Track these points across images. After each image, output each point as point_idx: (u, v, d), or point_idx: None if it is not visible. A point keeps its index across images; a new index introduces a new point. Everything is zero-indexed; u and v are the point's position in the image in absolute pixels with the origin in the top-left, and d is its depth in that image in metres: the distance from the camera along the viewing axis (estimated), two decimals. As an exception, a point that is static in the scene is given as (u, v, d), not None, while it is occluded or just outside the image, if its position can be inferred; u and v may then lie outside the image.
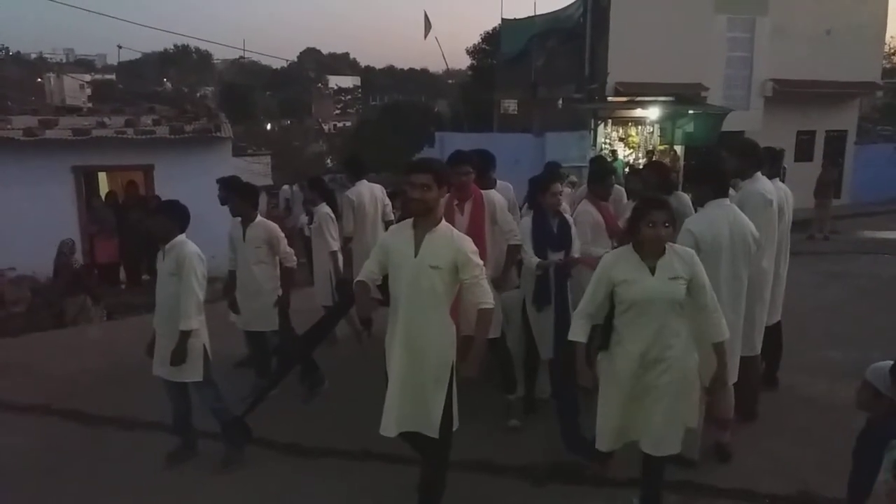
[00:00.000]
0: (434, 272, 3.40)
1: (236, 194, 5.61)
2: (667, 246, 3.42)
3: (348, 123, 65.85)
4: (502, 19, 21.93)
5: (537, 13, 19.91)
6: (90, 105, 20.92)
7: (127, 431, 5.29)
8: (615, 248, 4.34)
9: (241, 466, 4.60)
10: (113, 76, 63.63)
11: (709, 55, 15.71)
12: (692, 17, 15.26)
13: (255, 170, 21.87)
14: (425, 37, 17.80)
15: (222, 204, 6.63)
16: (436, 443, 3.53)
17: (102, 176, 13.59)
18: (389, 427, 3.50)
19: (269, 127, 51.78)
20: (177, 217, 4.54)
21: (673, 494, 3.81)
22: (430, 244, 3.42)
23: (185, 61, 75.61)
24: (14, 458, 4.93)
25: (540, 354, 4.89)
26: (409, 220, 3.52)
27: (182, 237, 4.52)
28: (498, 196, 5.18)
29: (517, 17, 20.71)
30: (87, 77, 56.15)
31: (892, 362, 2.69)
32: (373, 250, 3.67)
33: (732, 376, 4.12)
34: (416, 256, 3.42)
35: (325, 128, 67.91)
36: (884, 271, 10.02)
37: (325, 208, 6.66)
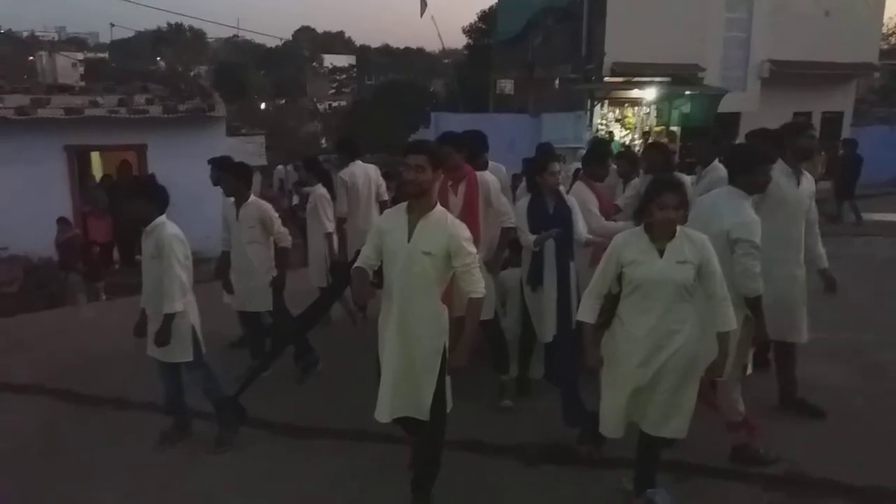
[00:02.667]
0: (426, 258, 3.38)
1: (229, 174, 5.56)
2: (679, 229, 3.39)
3: (343, 103, 65.34)
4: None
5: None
6: (83, 84, 20.71)
7: (120, 411, 5.30)
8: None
9: (234, 447, 4.61)
10: (106, 54, 63.00)
11: (706, 35, 15.61)
12: (690, -4, 15.16)
13: (249, 150, 21.70)
14: (421, 16, 17.67)
15: (215, 184, 6.59)
16: (428, 425, 3.54)
17: (96, 156, 13.47)
18: (383, 413, 3.51)
19: (262, 106, 51.36)
20: (155, 198, 4.47)
21: (666, 474, 3.81)
22: (423, 229, 3.40)
23: (178, 40, 74.72)
24: (8, 437, 4.93)
25: (536, 335, 4.88)
26: (404, 204, 3.50)
27: (162, 219, 4.46)
28: (491, 177, 5.17)
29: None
30: (80, 55, 55.50)
31: None
32: (368, 235, 3.64)
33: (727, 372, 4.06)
34: (409, 241, 3.40)
35: (320, 107, 67.42)
36: (878, 253, 10.05)
37: (320, 189, 6.61)
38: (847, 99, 19.14)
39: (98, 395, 5.56)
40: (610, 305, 3.62)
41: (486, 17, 29.83)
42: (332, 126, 48.77)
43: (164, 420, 4.83)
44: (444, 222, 3.43)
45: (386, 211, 3.72)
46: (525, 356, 5.10)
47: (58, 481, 4.32)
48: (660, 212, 3.34)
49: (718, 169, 5.05)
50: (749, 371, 4.29)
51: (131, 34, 56.11)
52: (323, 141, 43.08)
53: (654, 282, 3.38)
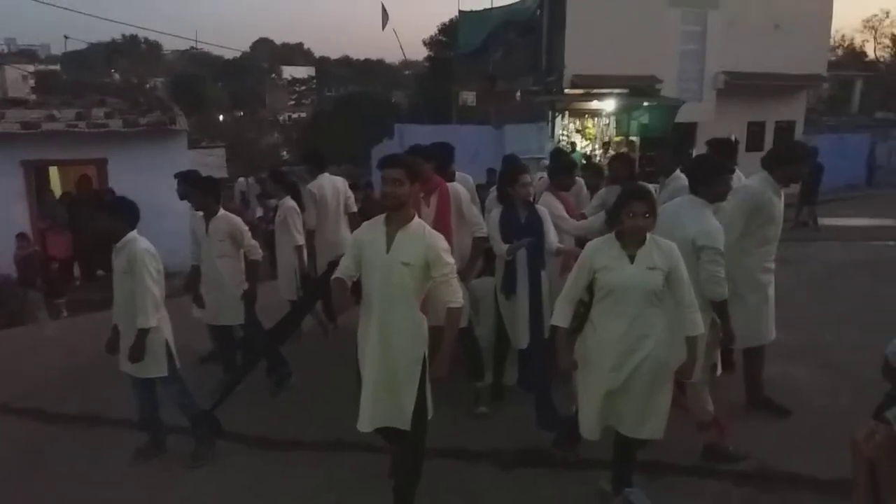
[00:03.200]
0: (405, 269, 3.44)
1: (197, 189, 5.54)
2: (648, 236, 3.51)
3: (303, 114, 64.97)
4: (459, 11, 21.96)
5: (494, 5, 20.03)
6: (34, 96, 20.28)
7: (92, 429, 5.23)
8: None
9: (211, 461, 4.59)
10: (57, 66, 61.63)
11: (663, 48, 16.00)
12: (647, 11, 15.53)
13: (209, 162, 21.46)
14: (383, 28, 17.73)
15: (182, 198, 6.55)
16: (410, 434, 3.59)
17: (54, 170, 13.21)
18: (365, 422, 3.55)
19: (221, 118, 50.82)
20: (125, 215, 4.46)
21: (641, 474, 3.92)
22: (402, 241, 3.46)
23: (133, 52, 73.60)
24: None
25: (511, 342, 4.96)
26: (382, 216, 3.55)
27: (133, 234, 4.44)
28: (462, 188, 5.26)
29: (474, 8, 20.78)
30: (31, 67, 54.27)
31: None
32: (347, 247, 3.69)
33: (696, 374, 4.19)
34: (388, 252, 3.46)
35: (280, 119, 66.98)
36: (833, 258, 10.38)
37: (289, 202, 6.60)
38: (798, 109, 19.76)
39: (69, 413, 5.46)
40: (582, 311, 3.72)
41: (446, 29, 30.12)
42: (293, 138, 48.50)
43: (139, 436, 4.78)
44: (422, 233, 3.50)
45: (364, 223, 3.76)
46: (499, 363, 5.18)
47: (33, 500, 4.25)
48: (630, 219, 3.45)
49: (680, 178, 5.25)
50: (718, 372, 4.42)
51: (84, 46, 54.95)
52: (284, 153, 42.79)
53: (625, 287, 3.49)
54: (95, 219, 10.73)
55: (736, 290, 4.50)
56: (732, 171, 4.52)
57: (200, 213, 5.54)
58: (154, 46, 76.15)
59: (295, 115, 66.20)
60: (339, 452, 4.64)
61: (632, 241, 3.51)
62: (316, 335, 6.88)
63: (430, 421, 3.72)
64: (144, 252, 4.31)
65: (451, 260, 3.54)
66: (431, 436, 3.82)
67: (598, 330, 3.60)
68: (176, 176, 5.96)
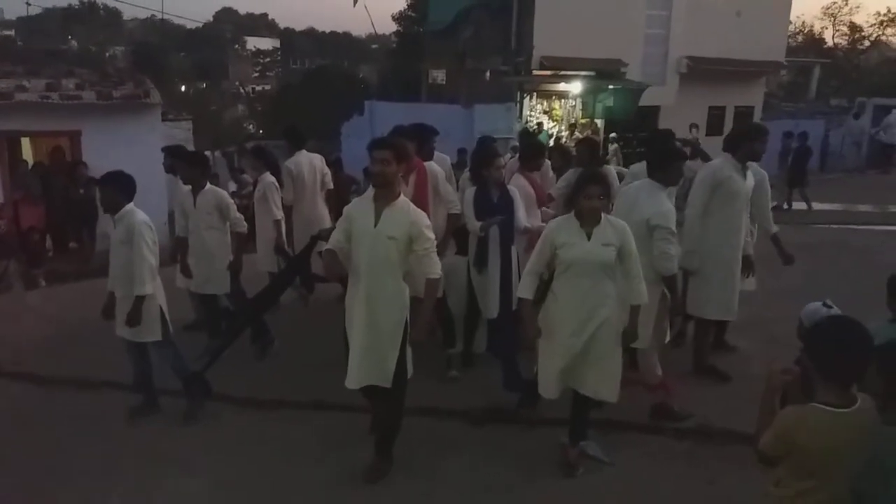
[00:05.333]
0: (391, 242, 3.82)
1: (185, 162, 5.81)
2: (603, 216, 3.93)
3: (268, 87, 64.17)
4: (430, -12, 22.07)
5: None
6: (-7, 64, 19.81)
7: (83, 391, 5.51)
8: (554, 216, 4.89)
9: (202, 419, 4.94)
10: (12, 32, 59.88)
11: (629, 32, 16.42)
12: (614, -6, 15.90)
13: (176, 135, 21.21)
14: (354, 4, 17.86)
15: (167, 172, 6.81)
16: (391, 391, 3.99)
17: (25, 141, 13.14)
18: (353, 380, 3.95)
19: (183, 89, 50.00)
20: (124, 188, 4.75)
21: (594, 430, 4.39)
22: (388, 217, 3.84)
23: (92, 19, 71.63)
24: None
25: (482, 313, 5.37)
26: (371, 193, 3.91)
27: (130, 206, 4.73)
28: (438, 168, 5.65)
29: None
30: (-17, 32, 52.71)
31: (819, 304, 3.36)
32: (339, 221, 4.05)
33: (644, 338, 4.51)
34: (375, 227, 3.83)
35: (244, 91, 66.07)
36: (784, 240, 10.94)
37: (269, 177, 6.84)
38: (757, 94, 20.42)
39: (59, 376, 5.73)
40: (544, 285, 4.15)
41: (415, 5, 30.05)
42: (258, 111, 47.97)
43: (129, 397, 5.11)
44: (407, 210, 3.88)
45: (354, 199, 4.13)
46: (470, 332, 5.59)
47: (34, 454, 4.56)
48: (586, 201, 3.89)
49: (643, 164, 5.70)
50: (667, 339, 4.88)
51: (39, 11, 53.39)
52: (250, 126, 42.40)
53: (583, 261, 3.93)
54: (69, 191, 10.94)
55: (702, 265, 5.02)
56: (686, 158, 4.98)
57: (188, 187, 5.80)
58: (114, 14, 73.94)
59: (259, 88, 65.37)
60: (321, 411, 5.04)
61: (589, 220, 3.93)
62: (294, 306, 7.20)
63: (408, 383, 4.13)
64: (142, 223, 4.60)
65: (432, 235, 3.93)
66: (408, 397, 4.24)
67: (558, 299, 4.03)
68: (164, 150, 6.21)
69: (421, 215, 3.91)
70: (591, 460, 4.27)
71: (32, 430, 4.90)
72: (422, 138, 5.73)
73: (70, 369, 5.82)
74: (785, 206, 13.47)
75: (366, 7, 17.63)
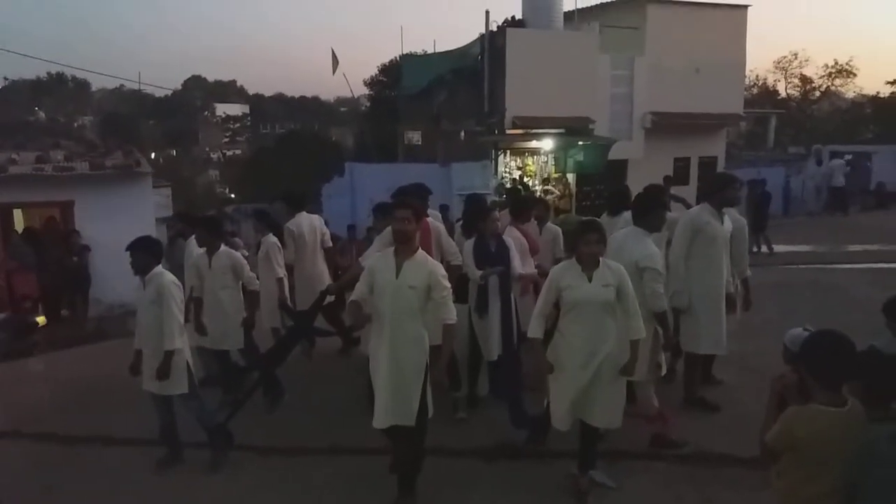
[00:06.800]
0: (412, 291, 4.21)
1: (202, 227, 6.17)
2: (601, 260, 4.37)
3: (238, 151, 64.94)
4: (402, 55, 22.99)
5: (437, 48, 21.15)
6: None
7: (106, 447, 5.72)
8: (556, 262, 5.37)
9: (226, 468, 5.18)
10: (-22, 106, 59.91)
11: (595, 91, 17.25)
12: (580, 57, 16.76)
13: (157, 201, 21.58)
14: (333, 73, 18.51)
15: (177, 236, 7.14)
16: (414, 430, 4.32)
17: (17, 212, 13.35)
18: (380, 422, 4.28)
19: (153, 156, 50.36)
20: (153, 251, 5.13)
21: (601, 459, 4.73)
22: (408, 269, 4.24)
23: (60, 90, 72.04)
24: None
25: (483, 356, 5.74)
26: (392, 249, 4.32)
27: (159, 268, 5.10)
28: (439, 223, 6.08)
29: (416, 51, 21.75)
30: (-54, 105, 52.70)
31: (800, 329, 3.68)
32: (362, 274, 4.44)
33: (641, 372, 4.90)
34: (397, 278, 4.22)
35: (214, 156, 66.62)
36: (756, 280, 11.50)
37: (271, 238, 7.21)
38: (719, 145, 21.38)
39: (79, 434, 5.92)
40: (549, 326, 4.56)
41: (386, 69, 31.07)
42: (231, 175, 48.36)
43: (154, 451, 5.34)
44: (425, 262, 4.30)
45: (375, 255, 4.54)
46: (473, 375, 5.94)
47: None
48: (586, 247, 4.34)
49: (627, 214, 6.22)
50: (663, 372, 5.28)
51: (4, 83, 53.58)
52: (227, 190, 42.68)
53: (586, 301, 4.35)
54: (63, 259, 11.14)
55: (690, 304, 5.48)
56: (666, 208, 5.49)
57: (202, 249, 6.13)
58: (82, 84, 74.54)
59: (230, 153, 66.01)
60: (340, 455, 5.32)
61: (588, 264, 4.37)
62: (299, 359, 7.45)
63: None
64: (171, 284, 4.95)
65: (448, 284, 4.33)
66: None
67: (565, 336, 4.43)
68: (177, 215, 6.55)
69: (437, 266, 4.33)
70: (600, 487, 4.60)
71: (63, 488, 5.08)
72: (420, 197, 6.17)
73: (91, 427, 6.02)
74: (755, 249, 14.11)
75: (344, 75, 18.41)
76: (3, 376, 8.09)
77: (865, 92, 38.93)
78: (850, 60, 37.43)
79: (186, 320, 6.35)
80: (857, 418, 2.74)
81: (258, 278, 7.50)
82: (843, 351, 2.74)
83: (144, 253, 5.00)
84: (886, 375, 2.81)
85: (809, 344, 2.90)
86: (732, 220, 5.84)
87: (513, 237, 6.08)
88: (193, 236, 6.58)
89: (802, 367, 2.86)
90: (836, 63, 37.67)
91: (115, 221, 11.07)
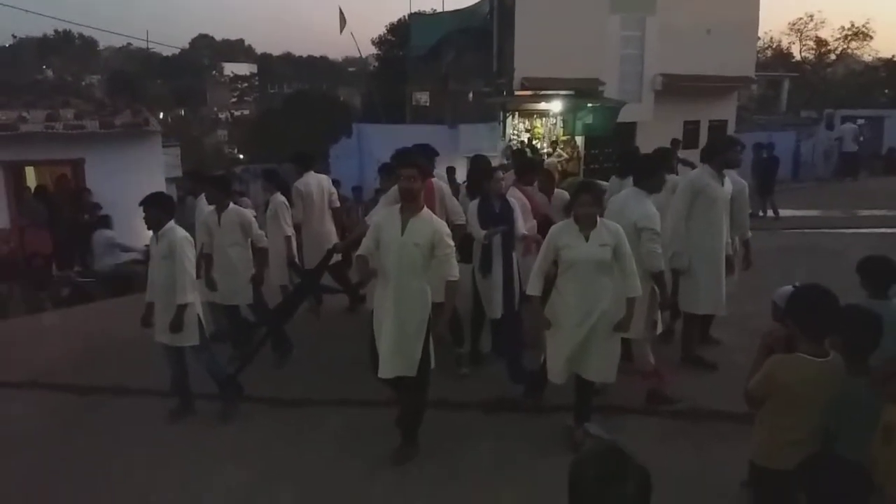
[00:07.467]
0: (416, 248, 4.33)
1: (211, 184, 6.28)
2: (598, 219, 4.47)
3: (246, 112, 64.73)
4: (411, 14, 22.77)
5: (446, 8, 20.94)
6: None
7: (120, 398, 5.93)
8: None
9: (237, 418, 5.37)
10: (-13, 64, 59.79)
11: (605, 52, 17.11)
12: (590, 17, 16.59)
13: (166, 161, 21.68)
14: (341, 32, 18.40)
15: (188, 194, 7.26)
16: (417, 381, 4.48)
17: (29, 169, 13.50)
18: (385, 371, 4.43)
19: (161, 116, 50.26)
20: (166, 207, 5.26)
21: (597, 413, 4.89)
22: (413, 226, 4.35)
23: (67, 48, 71.65)
24: (14, 429, 5.46)
25: (486, 314, 5.87)
26: (398, 206, 4.43)
27: (172, 224, 5.23)
28: (444, 184, 6.17)
29: (425, 10, 21.55)
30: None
31: (789, 287, 3.78)
32: (368, 230, 4.56)
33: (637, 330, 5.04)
34: (402, 235, 4.33)
35: (222, 116, 66.43)
36: (760, 245, 11.56)
37: (280, 197, 7.33)
38: (730, 108, 21.20)
39: (94, 384, 6.13)
40: (548, 284, 4.68)
41: (395, 29, 30.75)
42: (237, 136, 48.30)
43: (163, 402, 5.53)
44: (430, 220, 4.41)
45: (381, 211, 4.64)
46: (476, 332, 6.09)
47: (86, 458, 4.96)
48: (580, 208, 4.44)
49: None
50: (659, 330, 5.41)
51: (11, 41, 53.37)
52: (235, 150, 42.67)
53: (583, 260, 4.47)
54: (75, 216, 11.31)
55: (690, 265, 5.58)
56: (666, 170, 5.56)
57: (211, 207, 6.25)
58: (89, 43, 74.04)
59: (237, 113, 65.79)
60: (345, 407, 5.49)
61: (585, 224, 4.48)
62: (306, 316, 7.64)
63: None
64: (183, 239, 5.09)
65: (451, 242, 4.45)
66: (425, 390, 4.71)
67: (562, 295, 4.56)
68: (186, 174, 6.66)
69: (441, 224, 4.44)
70: (595, 439, 4.76)
71: (78, 436, 5.30)
72: (426, 157, 6.24)
73: (105, 378, 6.22)
74: (760, 214, 14.13)
75: (352, 34, 18.24)
76: (15, 331, 8.31)
77: (882, 55, 38.35)
78: (867, 22, 36.87)
79: (197, 276, 6.58)
80: (837, 370, 2.87)
81: (266, 236, 7.70)
82: (827, 303, 2.87)
83: (157, 209, 5.13)
84: (864, 330, 2.93)
85: (796, 296, 3.02)
86: (733, 182, 5.90)
87: (515, 197, 6.17)
88: (203, 195, 6.71)
89: (789, 319, 2.97)
90: (853, 25, 37.02)
91: (125, 180, 11.22)
